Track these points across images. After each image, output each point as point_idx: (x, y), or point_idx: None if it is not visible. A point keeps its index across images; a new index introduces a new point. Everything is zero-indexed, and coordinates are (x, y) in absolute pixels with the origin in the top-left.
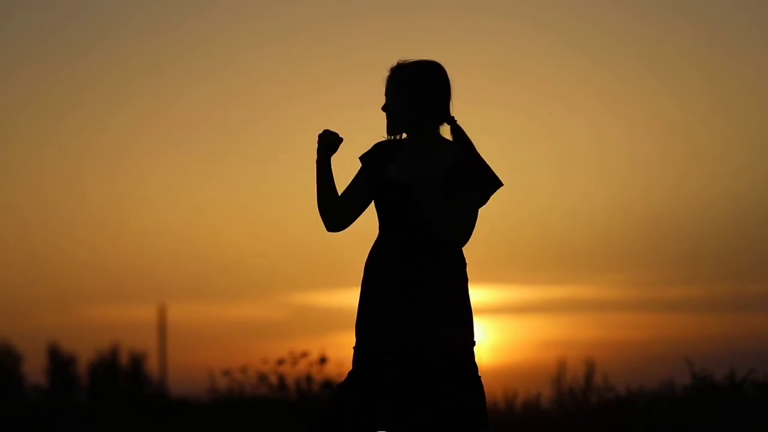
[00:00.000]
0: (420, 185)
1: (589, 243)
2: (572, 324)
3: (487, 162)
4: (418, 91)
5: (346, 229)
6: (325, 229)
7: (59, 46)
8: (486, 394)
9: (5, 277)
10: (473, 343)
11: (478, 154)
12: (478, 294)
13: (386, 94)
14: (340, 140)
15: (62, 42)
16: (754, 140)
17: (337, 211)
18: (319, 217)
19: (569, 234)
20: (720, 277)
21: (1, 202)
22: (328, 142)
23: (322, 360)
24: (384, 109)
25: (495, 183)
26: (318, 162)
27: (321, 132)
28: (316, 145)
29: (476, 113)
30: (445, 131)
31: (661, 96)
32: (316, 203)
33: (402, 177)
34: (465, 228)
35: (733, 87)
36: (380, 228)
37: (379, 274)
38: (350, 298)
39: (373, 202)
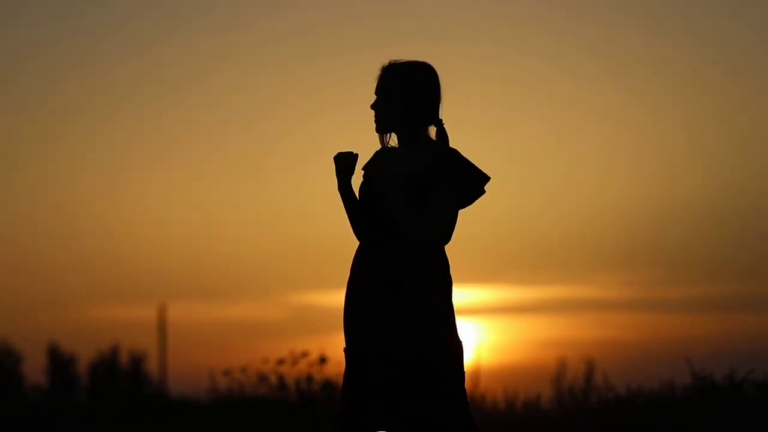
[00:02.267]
0: (382, 185)
1: (588, 243)
2: (572, 324)
3: (487, 162)
4: (409, 92)
5: (346, 230)
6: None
7: (64, 51)
8: (485, 395)
9: (5, 277)
10: (444, 350)
11: (461, 156)
12: (478, 294)
13: (376, 93)
14: (356, 157)
15: (69, 46)
16: (755, 140)
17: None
18: (319, 217)
19: (569, 234)
20: (720, 277)
21: (1, 203)
22: (347, 164)
23: (322, 360)
24: (373, 107)
25: (479, 183)
26: (340, 188)
27: (335, 155)
28: (316, 145)
29: (477, 114)
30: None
31: (662, 97)
32: (316, 203)
33: (371, 179)
34: (437, 227)
35: (728, 87)
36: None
37: (351, 276)
38: None
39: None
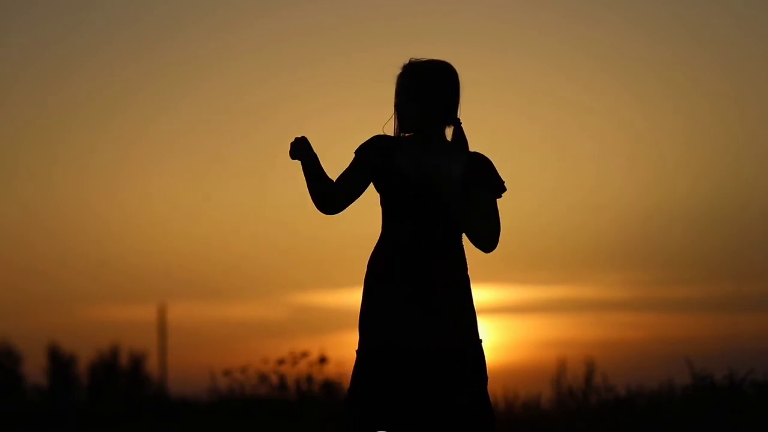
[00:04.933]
0: (441, 180)
1: (589, 243)
2: (572, 324)
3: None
4: (434, 93)
5: (345, 230)
6: (321, 212)
7: (66, 52)
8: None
9: (5, 277)
10: (481, 342)
11: (492, 163)
12: (478, 294)
13: (397, 92)
14: (306, 140)
15: (71, 47)
16: (755, 140)
17: (333, 193)
18: (319, 217)
19: (569, 234)
20: (720, 277)
21: (1, 203)
22: (305, 146)
23: (322, 360)
24: (397, 107)
25: (503, 187)
26: (308, 164)
27: (298, 138)
28: (317, 145)
29: (477, 114)
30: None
31: (662, 95)
32: (315, 203)
33: (417, 170)
34: (497, 228)
35: (727, 84)
36: (387, 224)
37: (391, 271)
38: (350, 298)
39: (380, 197)
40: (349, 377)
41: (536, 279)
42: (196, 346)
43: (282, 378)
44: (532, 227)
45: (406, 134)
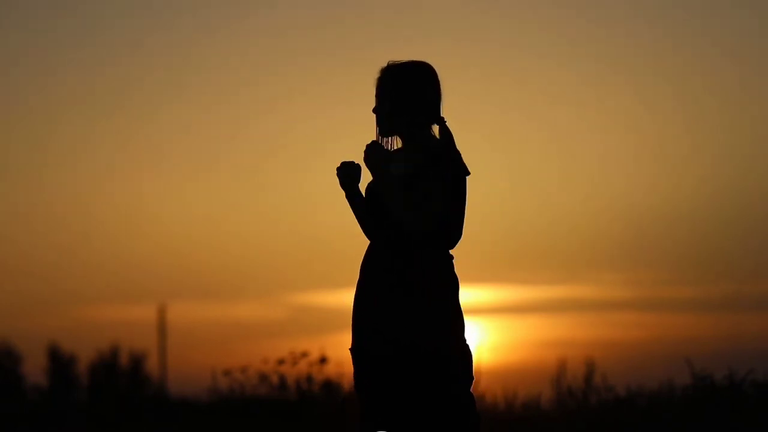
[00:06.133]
0: (385, 187)
1: (589, 243)
2: (572, 324)
3: (487, 162)
4: (406, 95)
5: (346, 230)
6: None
7: (62, 50)
8: (486, 395)
9: (5, 277)
10: (448, 349)
11: (447, 149)
12: (478, 294)
13: (376, 96)
14: (359, 167)
15: (66, 46)
16: (757, 140)
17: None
18: (319, 217)
19: (569, 234)
20: (720, 277)
21: (1, 203)
22: (351, 174)
23: (322, 360)
24: (374, 111)
25: (461, 177)
26: (347, 198)
27: (338, 167)
28: (316, 144)
29: (477, 113)
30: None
31: (664, 94)
32: (316, 203)
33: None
34: (428, 217)
35: (731, 82)
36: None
37: (360, 275)
38: (350, 298)
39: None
40: (352, 377)
41: (536, 279)
42: (196, 346)
43: (282, 378)
44: (532, 227)
45: (391, 138)
